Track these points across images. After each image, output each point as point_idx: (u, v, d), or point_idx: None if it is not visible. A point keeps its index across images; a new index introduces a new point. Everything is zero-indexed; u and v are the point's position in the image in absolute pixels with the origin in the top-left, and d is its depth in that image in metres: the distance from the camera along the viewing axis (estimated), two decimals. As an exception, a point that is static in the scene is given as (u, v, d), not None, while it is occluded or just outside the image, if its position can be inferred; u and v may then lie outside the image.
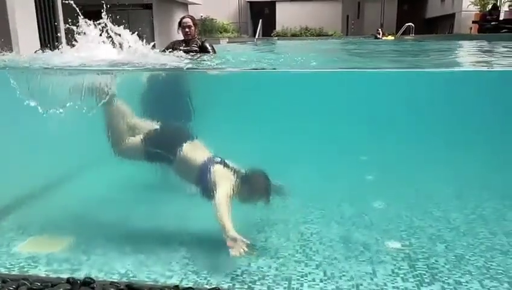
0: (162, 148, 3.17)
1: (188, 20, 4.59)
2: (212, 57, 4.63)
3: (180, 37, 4.78)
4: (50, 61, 3.79)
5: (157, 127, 3.30)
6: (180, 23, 4.64)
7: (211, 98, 4.20)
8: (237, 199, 3.10)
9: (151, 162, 3.27)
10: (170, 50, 4.67)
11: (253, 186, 3.09)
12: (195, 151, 3.17)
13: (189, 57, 4.45)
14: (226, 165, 3.15)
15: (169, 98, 4.26)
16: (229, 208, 2.87)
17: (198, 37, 4.72)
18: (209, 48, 4.65)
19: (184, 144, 3.17)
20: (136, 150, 3.24)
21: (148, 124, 3.32)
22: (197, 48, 4.61)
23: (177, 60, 4.27)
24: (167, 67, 4.04)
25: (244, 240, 2.75)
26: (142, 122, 3.32)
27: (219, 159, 3.16)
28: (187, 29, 4.57)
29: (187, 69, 3.92)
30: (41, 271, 2.87)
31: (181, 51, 4.55)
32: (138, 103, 4.02)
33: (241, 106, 4.36)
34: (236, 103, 4.33)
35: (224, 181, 3.03)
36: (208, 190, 3.05)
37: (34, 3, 9.79)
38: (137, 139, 3.24)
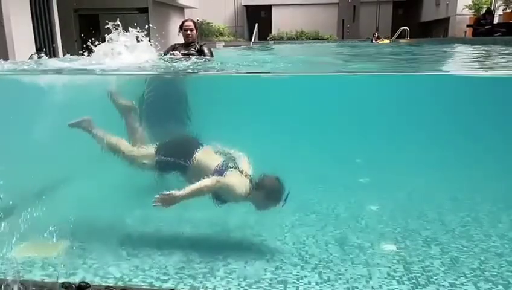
0: (175, 160, 3.16)
1: (189, 24, 4.62)
2: (211, 60, 4.65)
3: (180, 40, 4.80)
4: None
5: (168, 141, 3.31)
6: (181, 26, 4.67)
7: (210, 100, 4.23)
8: (252, 205, 3.13)
9: (166, 173, 3.26)
10: (170, 53, 4.70)
11: (267, 191, 3.08)
12: (207, 158, 3.18)
13: (190, 60, 4.47)
14: (239, 170, 3.15)
15: (170, 102, 4.28)
16: (200, 191, 2.99)
17: (198, 41, 4.75)
18: (208, 52, 4.68)
19: (196, 153, 3.17)
20: (149, 163, 3.25)
21: (157, 141, 3.32)
22: (195, 52, 4.63)
23: (179, 63, 4.31)
24: (168, 71, 4.07)
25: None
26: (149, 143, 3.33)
27: (232, 164, 3.17)
28: (188, 32, 4.60)
29: (189, 72, 3.95)
30: (36, 275, 2.86)
31: (180, 55, 4.57)
32: (140, 106, 4.05)
33: (234, 108, 4.38)
34: (230, 104, 4.35)
35: (234, 186, 3.04)
36: (220, 195, 3.08)
37: (29, 8, 9.79)
38: (150, 155, 3.24)
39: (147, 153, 3.27)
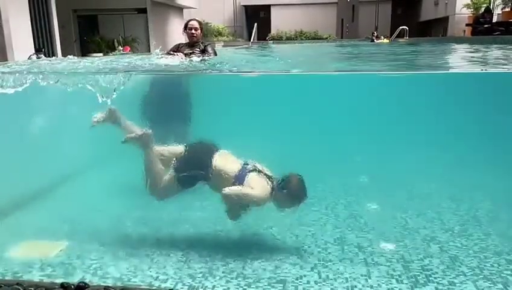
0: (195, 171, 3.14)
1: (194, 23, 4.63)
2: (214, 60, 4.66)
3: (181, 39, 4.81)
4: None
5: (184, 151, 3.26)
6: (186, 26, 4.67)
7: (211, 100, 4.23)
8: (275, 205, 3.13)
9: (189, 188, 3.23)
10: (174, 52, 4.71)
11: (290, 191, 3.08)
12: (226, 162, 3.16)
13: (195, 60, 4.48)
14: (259, 171, 3.15)
15: (173, 102, 4.29)
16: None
17: (202, 41, 4.75)
18: (212, 51, 4.69)
19: (214, 158, 3.15)
20: (172, 185, 3.20)
21: (174, 151, 3.27)
22: (199, 52, 4.64)
23: (184, 63, 4.33)
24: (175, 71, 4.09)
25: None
26: (167, 150, 3.28)
27: (251, 166, 3.16)
28: (193, 31, 4.60)
29: (192, 72, 3.97)
30: (35, 276, 2.85)
31: (184, 55, 4.59)
32: (144, 107, 4.06)
33: (232, 108, 4.38)
34: (228, 104, 4.35)
35: (257, 187, 3.05)
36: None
37: (28, 9, 9.78)
38: (170, 175, 3.19)
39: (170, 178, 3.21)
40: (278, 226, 3.58)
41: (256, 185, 3.05)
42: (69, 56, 6.16)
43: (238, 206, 3.12)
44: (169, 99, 4.40)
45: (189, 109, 4.40)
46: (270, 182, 3.11)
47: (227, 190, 3.03)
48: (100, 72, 4.04)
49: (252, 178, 3.08)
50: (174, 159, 3.22)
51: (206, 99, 4.47)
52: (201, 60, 4.50)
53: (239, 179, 3.09)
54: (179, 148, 3.27)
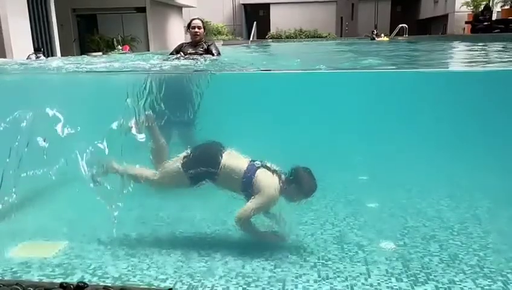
0: (203, 170, 3.15)
1: (197, 22, 4.65)
2: (218, 59, 4.66)
3: (183, 39, 4.83)
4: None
5: (192, 152, 3.27)
6: (189, 25, 4.70)
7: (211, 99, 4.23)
8: (286, 199, 3.15)
9: (197, 186, 3.24)
10: (178, 52, 4.72)
11: (299, 184, 3.10)
12: (234, 160, 3.17)
13: (198, 59, 4.49)
14: (267, 167, 3.16)
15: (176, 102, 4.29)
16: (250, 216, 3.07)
17: (205, 40, 4.77)
18: (215, 50, 4.70)
19: (222, 157, 3.16)
20: (181, 181, 3.23)
21: (182, 154, 3.29)
22: (203, 51, 4.65)
23: (189, 63, 4.34)
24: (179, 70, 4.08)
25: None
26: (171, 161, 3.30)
27: (259, 163, 3.17)
28: (196, 30, 4.62)
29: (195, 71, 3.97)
30: (34, 276, 2.85)
31: (188, 54, 4.60)
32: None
33: (235, 106, 4.37)
34: (228, 102, 4.35)
35: (267, 187, 3.06)
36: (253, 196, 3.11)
37: (27, 8, 9.78)
38: (179, 173, 3.20)
39: (175, 172, 3.22)
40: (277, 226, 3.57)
41: (265, 184, 3.06)
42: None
43: (253, 228, 3.17)
44: (174, 100, 4.40)
45: (193, 110, 4.39)
46: (278, 178, 3.12)
47: (236, 219, 3.07)
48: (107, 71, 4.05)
49: (260, 176, 3.09)
50: (181, 162, 3.23)
51: (209, 99, 4.47)
52: (206, 60, 4.51)
53: (247, 176, 3.10)
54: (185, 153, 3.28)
